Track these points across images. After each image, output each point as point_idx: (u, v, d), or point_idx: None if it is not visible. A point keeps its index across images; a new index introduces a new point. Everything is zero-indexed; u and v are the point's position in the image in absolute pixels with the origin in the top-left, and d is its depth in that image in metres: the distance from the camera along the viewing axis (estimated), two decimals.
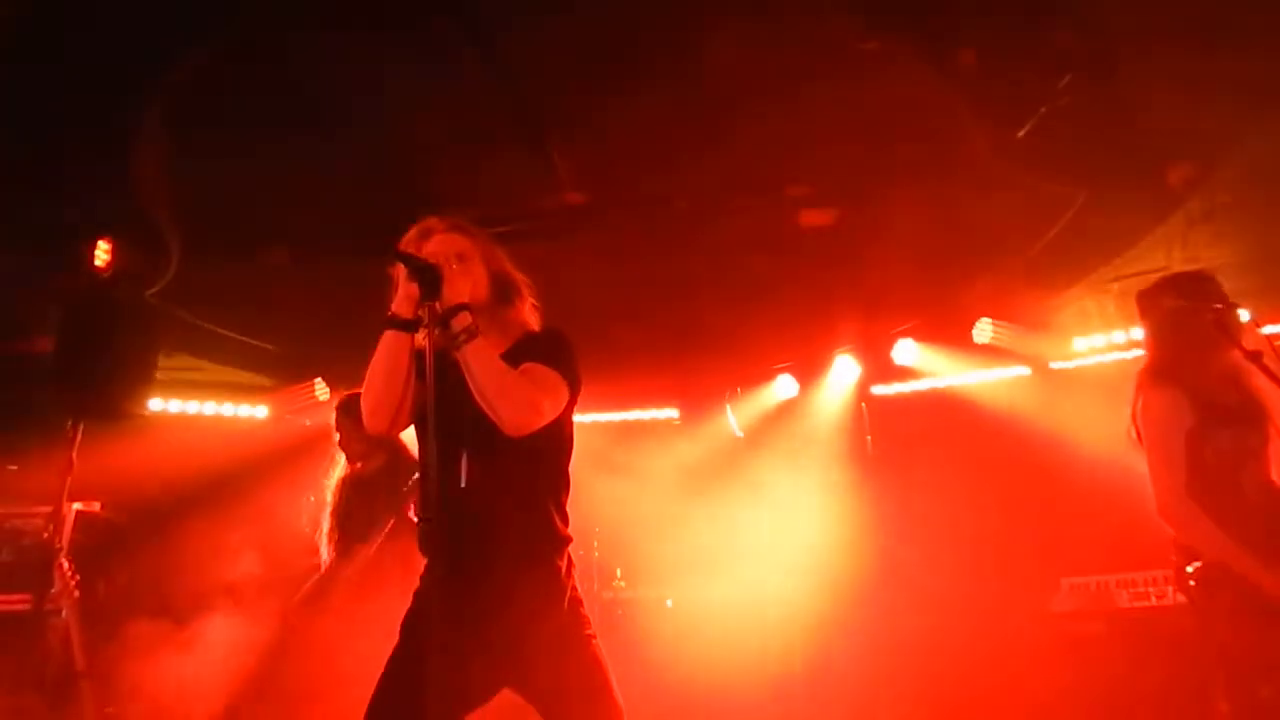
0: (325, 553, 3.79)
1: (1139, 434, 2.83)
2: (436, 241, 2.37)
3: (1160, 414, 2.73)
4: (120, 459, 4.52)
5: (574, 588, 2.34)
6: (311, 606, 3.67)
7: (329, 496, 3.90)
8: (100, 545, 4.53)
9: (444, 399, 2.17)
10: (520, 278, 2.47)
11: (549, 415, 2.26)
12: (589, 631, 2.30)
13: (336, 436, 3.96)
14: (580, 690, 2.22)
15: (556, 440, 2.37)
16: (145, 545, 4.85)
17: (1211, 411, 2.69)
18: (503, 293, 2.41)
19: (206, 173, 4.13)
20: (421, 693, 1.94)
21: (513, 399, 2.20)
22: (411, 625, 2.28)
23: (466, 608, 2.19)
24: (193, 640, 4.27)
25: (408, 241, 2.40)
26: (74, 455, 3.97)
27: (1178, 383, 2.74)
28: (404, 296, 2.22)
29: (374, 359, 2.27)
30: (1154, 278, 2.97)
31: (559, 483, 2.39)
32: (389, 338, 2.25)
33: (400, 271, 2.23)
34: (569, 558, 2.37)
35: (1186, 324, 2.76)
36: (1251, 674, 2.55)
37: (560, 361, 2.33)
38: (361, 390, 2.31)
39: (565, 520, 2.38)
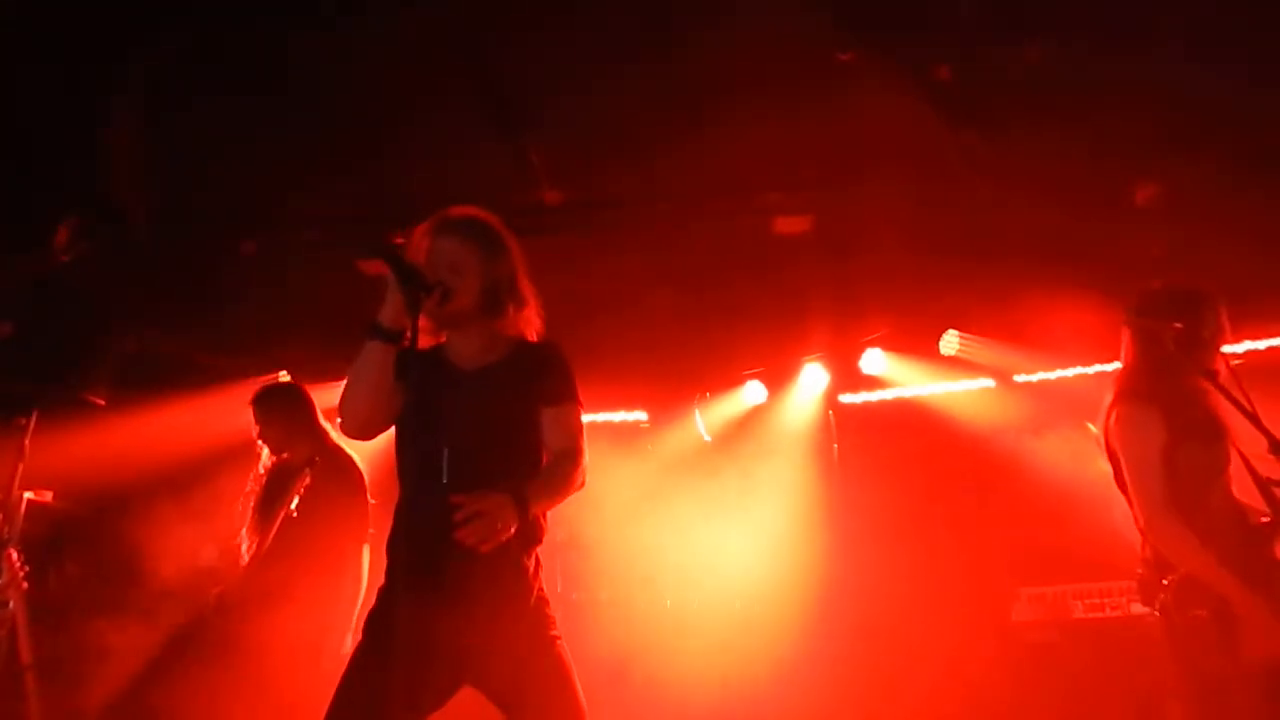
0: (245, 549, 3.72)
1: (1110, 449, 2.86)
2: (437, 247, 2.33)
3: (1134, 429, 2.76)
4: (74, 448, 4.42)
5: (540, 587, 2.33)
6: (232, 605, 3.59)
7: (250, 488, 3.86)
8: (51, 536, 4.42)
9: (426, 398, 2.21)
10: (525, 286, 2.43)
11: (586, 454, 2.37)
12: (554, 632, 2.30)
13: (255, 429, 3.90)
14: (543, 690, 2.21)
15: (538, 441, 2.39)
16: (98, 537, 4.74)
17: (1181, 428, 2.72)
18: (494, 304, 2.36)
19: (175, 159, 4.06)
20: (384, 690, 1.94)
21: (572, 491, 2.32)
22: (376, 621, 2.26)
23: (432, 604, 2.17)
24: (143, 633, 4.19)
25: (419, 236, 2.37)
26: (26, 443, 3.87)
27: (1150, 398, 2.77)
28: (392, 306, 2.20)
29: (356, 366, 2.26)
30: (1133, 293, 2.99)
31: None
32: (373, 347, 2.23)
33: (391, 276, 2.20)
34: (537, 558, 2.36)
35: (1153, 341, 2.81)
36: (1222, 687, 2.58)
37: (571, 393, 2.39)
38: (340, 395, 2.31)
39: (542, 521, 2.37)
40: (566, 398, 2.38)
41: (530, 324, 2.44)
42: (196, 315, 5.22)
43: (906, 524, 5.31)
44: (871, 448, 5.84)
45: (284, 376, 5.62)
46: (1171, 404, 2.75)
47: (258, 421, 3.89)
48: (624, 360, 5.49)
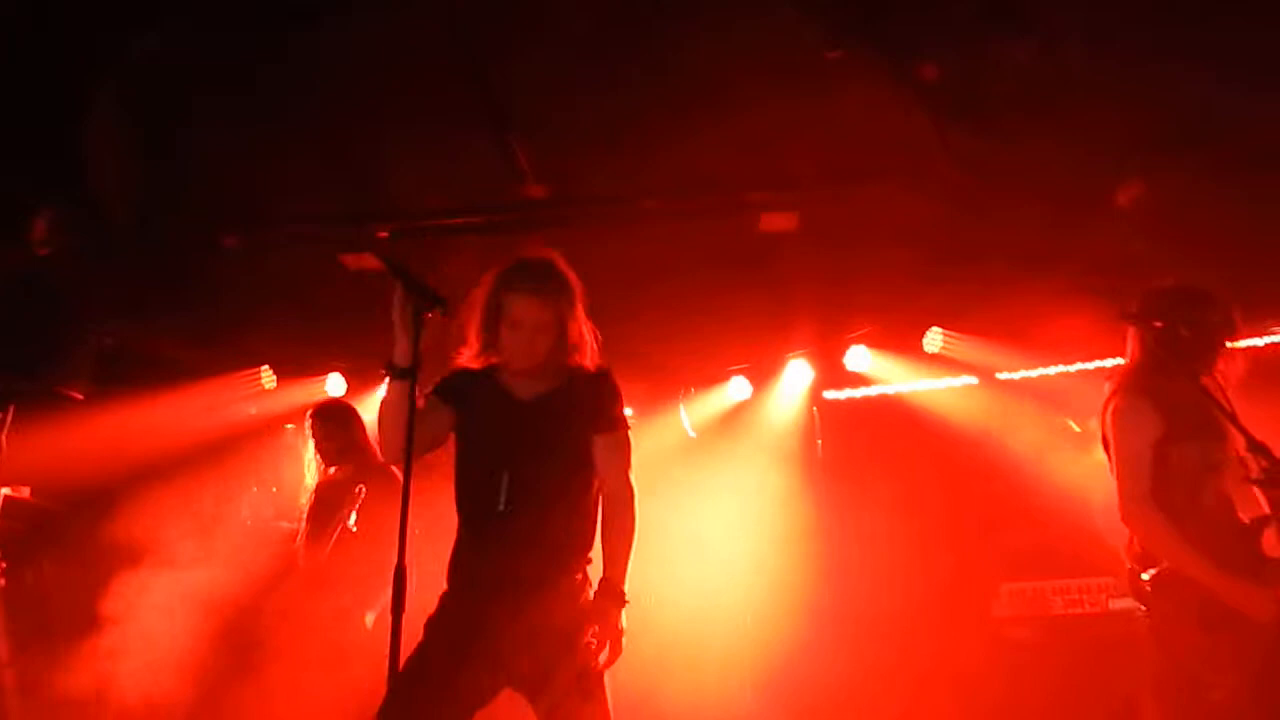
0: (301, 556, 3.93)
1: (1106, 440, 2.88)
2: (517, 310, 2.41)
3: (1127, 422, 2.78)
4: (52, 443, 4.37)
5: (588, 597, 2.44)
6: (280, 610, 3.81)
7: (304, 500, 4.09)
8: (29, 533, 4.39)
9: (485, 426, 2.37)
10: (586, 330, 2.55)
11: (634, 483, 2.52)
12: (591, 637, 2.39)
13: (311, 443, 4.10)
14: (573, 689, 2.31)
15: (591, 465, 2.50)
16: (75, 533, 4.70)
17: (1178, 425, 2.74)
18: (561, 348, 2.47)
19: (158, 153, 4.03)
20: (436, 696, 2.17)
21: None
22: (435, 628, 2.38)
23: (488, 614, 2.32)
24: (121, 632, 4.17)
25: (484, 284, 2.46)
26: (3, 438, 3.84)
27: (1147, 393, 2.79)
28: (401, 344, 2.27)
29: (381, 404, 2.39)
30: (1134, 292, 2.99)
31: (592, 500, 2.50)
32: (392, 386, 2.32)
33: (395, 305, 2.26)
34: (585, 571, 2.49)
35: (1146, 340, 2.83)
36: (1203, 679, 2.61)
37: (621, 420, 2.54)
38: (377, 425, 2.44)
39: (593, 536, 2.50)
40: (617, 425, 2.54)
41: (593, 354, 2.56)
42: (178, 309, 5.17)
43: (889, 520, 5.33)
44: (855, 444, 5.86)
45: (265, 371, 5.59)
46: (1170, 401, 2.76)
47: (315, 435, 4.11)
48: (609, 355, 5.48)
